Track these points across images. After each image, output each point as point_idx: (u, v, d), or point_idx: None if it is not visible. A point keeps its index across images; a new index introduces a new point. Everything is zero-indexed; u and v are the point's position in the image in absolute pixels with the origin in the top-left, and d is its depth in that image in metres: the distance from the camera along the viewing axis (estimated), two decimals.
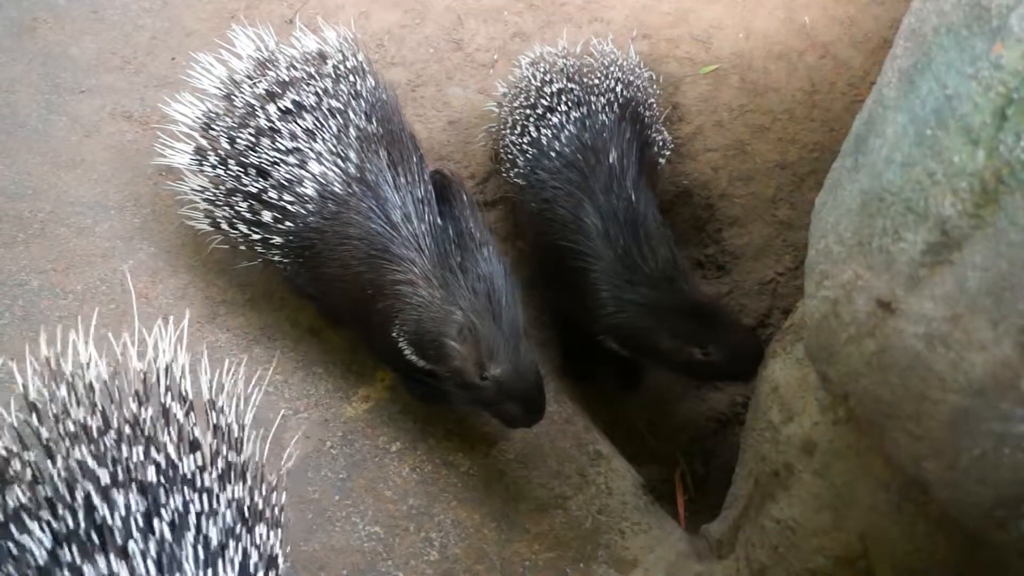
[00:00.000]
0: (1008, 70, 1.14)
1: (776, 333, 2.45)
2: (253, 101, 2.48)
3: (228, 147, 2.46)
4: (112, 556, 1.39)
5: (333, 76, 2.53)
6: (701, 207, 3.35)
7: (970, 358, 1.25)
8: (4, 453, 1.51)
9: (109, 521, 1.42)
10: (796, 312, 2.28)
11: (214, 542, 1.48)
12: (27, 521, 1.40)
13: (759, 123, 3.41)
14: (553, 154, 2.77)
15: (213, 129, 2.51)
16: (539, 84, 2.94)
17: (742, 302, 3.25)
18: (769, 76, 3.48)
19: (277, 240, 2.44)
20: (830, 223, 1.64)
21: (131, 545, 1.40)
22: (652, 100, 3.07)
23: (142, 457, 1.52)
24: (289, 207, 2.38)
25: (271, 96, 2.47)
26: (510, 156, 2.92)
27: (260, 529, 1.60)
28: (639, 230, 2.61)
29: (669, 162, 3.22)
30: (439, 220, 2.35)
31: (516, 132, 2.90)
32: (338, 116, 2.43)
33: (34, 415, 1.58)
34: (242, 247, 2.56)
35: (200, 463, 1.59)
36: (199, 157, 2.52)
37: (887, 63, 1.49)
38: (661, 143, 3.02)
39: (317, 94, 2.47)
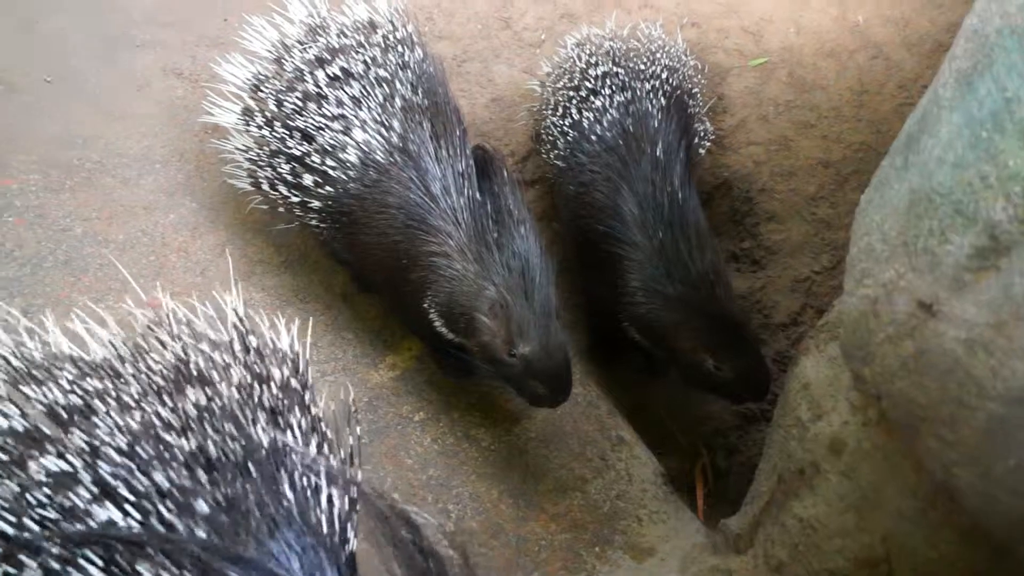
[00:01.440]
0: None
1: (809, 331, 2.43)
2: (302, 66, 2.49)
3: (275, 109, 2.48)
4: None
5: (382, 46, 2.54)
6: (740, 200, 3.32)
7: (1011, 365, 1.24)
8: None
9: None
10: (832, 310, 2.26)
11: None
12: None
13: (805, 120, 3.37)
14: (594, 138, 2.76)
15: (262, 91, 2.52)
16: (584, 66, 2.92)
17: (775, 298, 3.23)
18: (818, 73, 3.44)
19: (316, 204, 2.45)
20: (875, 221, 1.62)
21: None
22: (697, 90, 3.04)
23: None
24: (331, 172, 2.39)
25: (320, 62, 2.48)
26: (551, 137, 2.91)
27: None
28: (688, 228, 2.59)
29: (709, 152, 3.20)
30: (478, 195, 2.35)
31: (558, 113, 2.89)
32: (384, 85, 2.44)
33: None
34: (281, 209, 2.58)
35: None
36: (246, 117, 2.54)
37: (945, 63, 1.46)
38: (703, 133, 3.00)
39: (365, 62, 2.48)
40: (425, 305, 2.37)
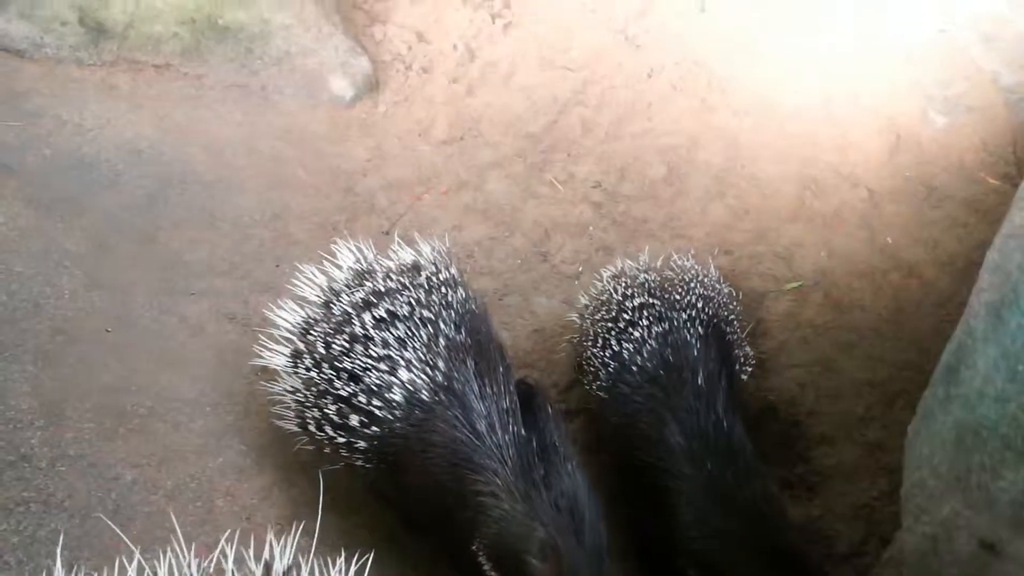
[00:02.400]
0: None
1: (875, 566, 2.33)
2: (350, 309, 2.59)
3: (323, 351, 2.56)
4: None
5: (426, 287, 2.65)
6: (788, 424, 3.29)
7: None
8: None
9: None
10: (895, 543, 2.18)
11: None
12: None
13: (845, 340, 3.40)
14: (635, 368, 2.80)
15: (311, 334, 2.62)
16: (620, 298, 3.01)
17: (836, 527, 3.11)
18: (853, 294, 3.50)
19: (362, 444, 2.48)
20: (924, 455, 1.60)
21: None
22: (733, 316, 3.10)
23: None
24: (377, 412, 2.43)
25: (367, 305, 2.59)
26: (592, 368, 2.95)
27: None
28: (736, 457, 2.57)
29: (752, 377, 3.20)
30: (523, 431, 2.36)
31: (598, 345, 2.94)
32: (429, 326, 2.52)
33: None
34: (327, 449, 2.60)
35: None
36: (295, 360, 2.62)
37: (973, 295, 1.50)
38: (743, 359, 3.02)
39: (410, 304, 2.58)
40: (473, 547, 2.33)
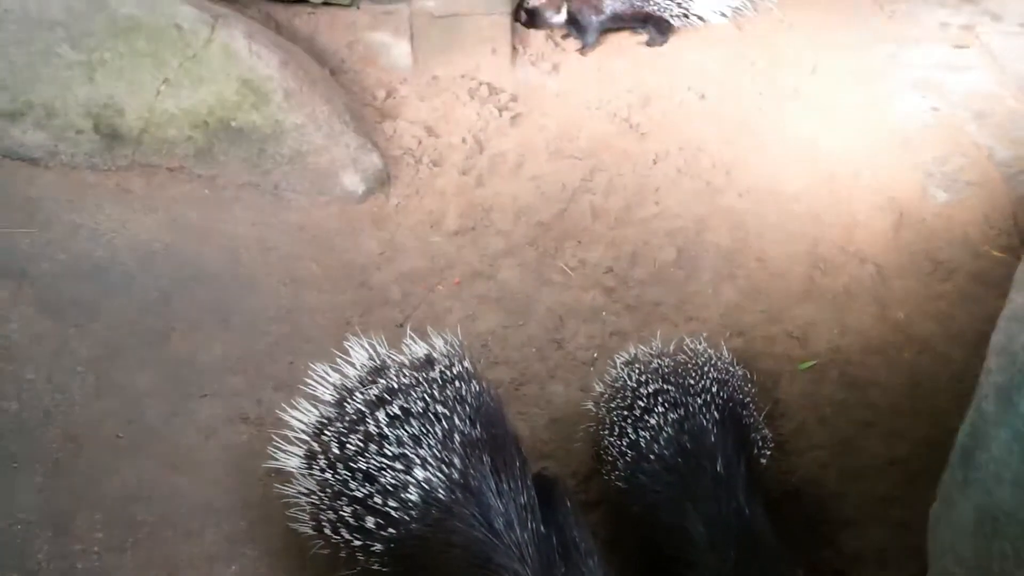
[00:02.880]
0: None
1: None
2: (363, 408, 2.60)
3: (337, 451, 2.56)
4: None
5: (440, 382, 2.65)
6: (811, 507, 3.23)
7: None
8: None
9: None
10: None
11: None
12: None
13: (863, 418, 3.37)
14: (652, 457, 2.77)
15: (325, 434, 2.62)
16: (635, 385, 3.00)
17: None
18: (869, 371, 3.49)
19: (378, 547, 2.45)
20: (947, 541, 1.58)
21: None
22: (749, 399, 3.08)
23: None
24: (393, 513, 2.41)
25: (380, 402, 2.60)
26: (610, 458, 2.93)
27: None
28: (759, 544, 2.53)
29: (772, 459, 3.16)
30: (542, 528, 2.33)
31: (615, 433, 2.93)
32: (443, 421, 2.52)
33: None
34: (343, 553, 2.57)
35: None
36: (309, 461, 2.62)
37: (983, 376, 1.50)
38: (761, 442, 2.99)
39: (424, 399, 2.58)
40: None
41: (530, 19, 5.35)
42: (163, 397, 3.22)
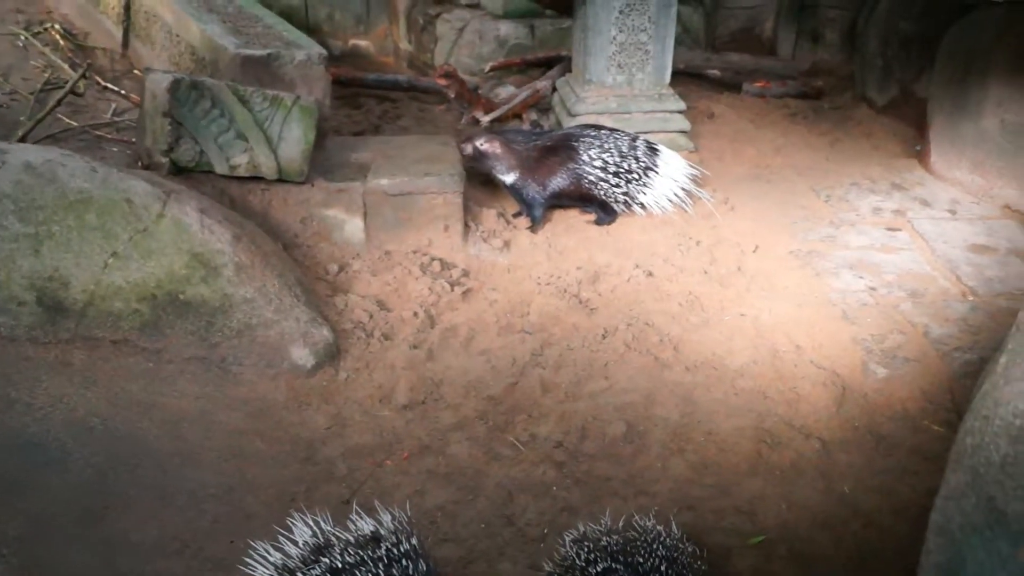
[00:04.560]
0: None
1: None
2: None
3: None
4: None
5: (385, 560, 2.61)
6: None
7: None
8: None
9: None
10: None
11: None
12: None
13: None
14: None
15: None
16: (583, 564, 2.96)
17: None
18: (816, 546, 3.47)
19: None
20: None
21: None
22: None
23: None
24: None
25: None
26: None
27: None
28: None
29: None
30: None
31: None
32: None
33: None
34: None
35: None
36: None
37: (923, 556, 1.52)
38: None
39: None
40: None
41: (477, 160, 5.60)
42: None
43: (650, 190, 5.67)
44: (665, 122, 6.63)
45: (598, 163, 5.60)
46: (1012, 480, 1.26)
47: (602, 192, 5.63)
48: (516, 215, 5.82)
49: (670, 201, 5.72)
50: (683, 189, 5.75)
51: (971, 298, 4.95)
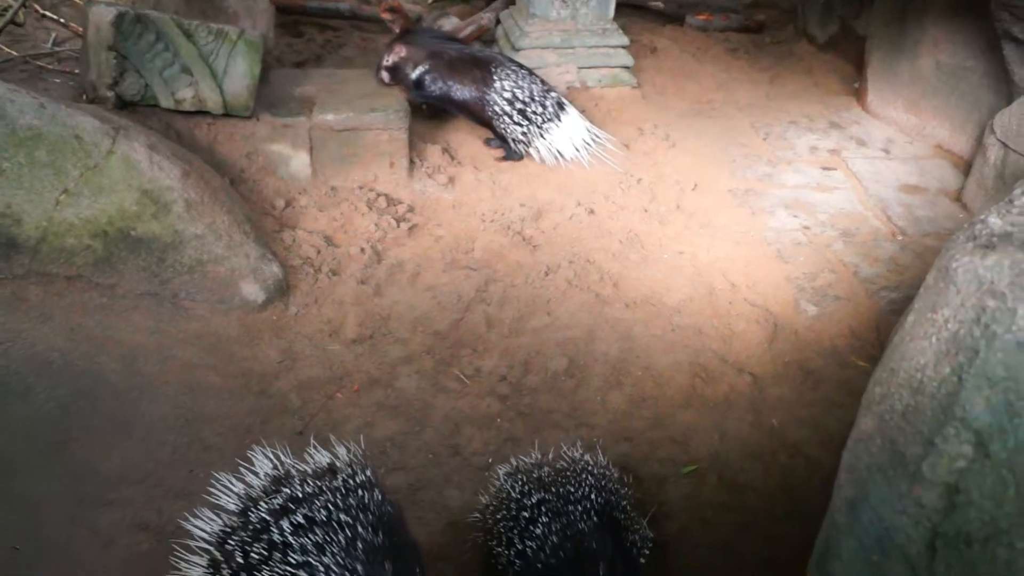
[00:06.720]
0: (929, 508, 1.36)
1: None
2: (267, 516, 2.66)
3: (241, 560, 2.60)
4: None
5: (343, 491, 2.74)
6: None
7: None
8: None
9: None
10: None
11: None
12: None
13: (742, 520, 3.57)
14: (540, 565, 2.89)
15: (228, 544, 2.66)
16: (518, 496, 3.11)
17: None
18: (746, 475, 3.71)
19: None
20: None
21: None
22: (626, 502, 3.21)
23: None
24: None
25: (284, 511, 2.66)
26: (500, 567, 3.03)
27: None
28: None
29: (659, 562, 3.32)
30: None
31: (503, 544, 3.03)
32: (347, 529, 2.60)
33: None
34: None
35: None
36: (213, 570, 2.65)
37: (835, 491, 1.71)
38: (639, 543, 3.12)
39: (327, 508, 2.66)
40: None
41: (392, 76, 5.69)
42: (61, 507, 3.19)
43: (545, 141, 5.74)
44: (608, 57, 6.70)
45: (507, 95, 5.65)
46: (911, 427, 1.45)
47: (502, 125, 5.69)
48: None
49: (562, 155, 5.79)
50: (583, 142, 5.81)
51: (900, 238, 5.19)
